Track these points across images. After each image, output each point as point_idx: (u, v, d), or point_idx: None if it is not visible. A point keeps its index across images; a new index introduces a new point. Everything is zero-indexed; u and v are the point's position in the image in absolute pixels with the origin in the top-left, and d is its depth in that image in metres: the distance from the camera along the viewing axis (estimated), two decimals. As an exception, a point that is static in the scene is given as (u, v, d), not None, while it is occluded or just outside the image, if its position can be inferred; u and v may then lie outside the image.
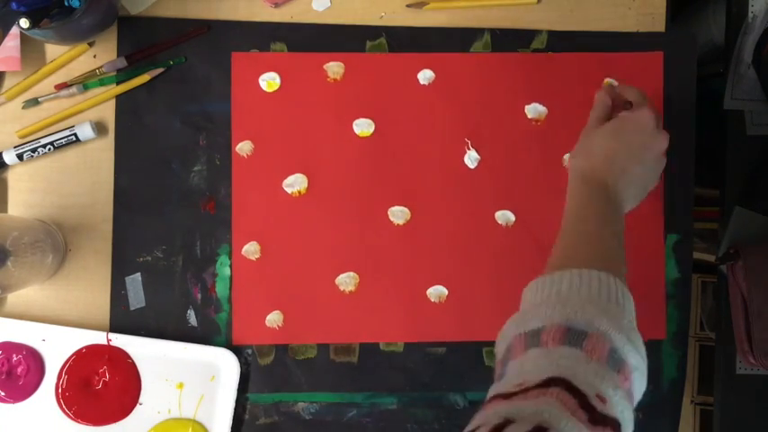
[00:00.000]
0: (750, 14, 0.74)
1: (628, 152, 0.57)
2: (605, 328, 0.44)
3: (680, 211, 0.70)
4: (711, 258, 0.76)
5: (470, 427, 0.39)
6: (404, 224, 0.69)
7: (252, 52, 0.69)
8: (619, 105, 0.62)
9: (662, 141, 0.58)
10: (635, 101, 0.60)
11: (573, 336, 0.43)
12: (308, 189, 0.69)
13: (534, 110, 0.70)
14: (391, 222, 0.69)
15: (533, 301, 0.49)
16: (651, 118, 0.58)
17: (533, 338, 0.45)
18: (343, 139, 0.69)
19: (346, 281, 0.69)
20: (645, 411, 0.70)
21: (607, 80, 0.69)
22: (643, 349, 0.46)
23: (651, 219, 0.70)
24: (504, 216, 0.70)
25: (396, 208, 0.69)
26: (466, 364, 0.70)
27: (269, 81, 0.69)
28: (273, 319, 0.69)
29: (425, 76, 0.70)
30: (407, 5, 0.70)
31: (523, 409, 0.39)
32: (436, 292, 0.69)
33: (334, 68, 0.69)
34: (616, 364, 0.43)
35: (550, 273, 0.50)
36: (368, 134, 0.69)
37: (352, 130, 0.69)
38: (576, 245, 0.54)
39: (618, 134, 0.58)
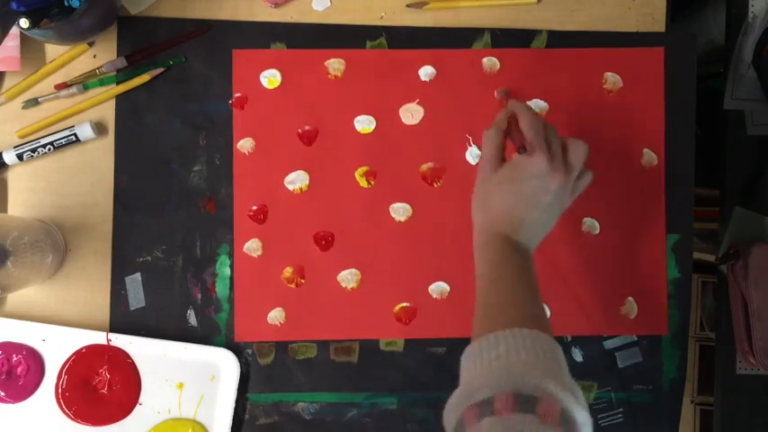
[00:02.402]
0: (750, 14, 0.74)
1: (525, 202, 0.57)
2: (552, 390, 0.44)
3: (680, 211, 0.71)
4: (711, 258, 0.76)
5: None
6: (405, 221, 0.69)
7: (253, 49, 0.69)
8: (515, 133, 0.59)
9: (557, 178, 0.56)
10: (528, 137, 0.57)
11: (524, 401, 0.44)
12: (309, 186, 0.69)
13: (535, 105, 0.70)
14: (393, 219, 0.69)
15: (475, 371, 0.49)
16: (544, 161, 0.56)
17: (485, 408, 0.45)
18: (344, 135, 0.69)
19: (348, 278, 0.69)
20: (645, 411, 0.70)
21: (500, 90, 0.66)
22: (585, 403, 0.47)
23: (652, 216, 0.70)
24: None
25: (397, 204, 0.69)
26: (466, 364, 0.70)
27: (270, 78, 0.69)
28: (275, 316, 0.69)
29: (426, 72, 0.70)
30: (407, 5, 0.70)
31: None
32: (438, 288, 0.69)
33: (335, 65, 0.69)
34: (567, 424, 0.44)
35: (485, 337, 0.49)
36: (369, 131, 0.69)
37: (354, 126, 0.69)
38: (499, 306, 0.53)
39: (512, 184, 0.57)
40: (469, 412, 0.46)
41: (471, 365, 0.50)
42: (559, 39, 0.70)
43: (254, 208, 0.69)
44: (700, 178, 0.71)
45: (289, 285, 0.69)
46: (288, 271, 0.69)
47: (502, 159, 0.59)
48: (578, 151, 0.58)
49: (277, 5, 0.69)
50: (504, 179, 0.58)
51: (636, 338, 0.70)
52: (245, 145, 0.69)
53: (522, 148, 0.57)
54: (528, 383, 0.45)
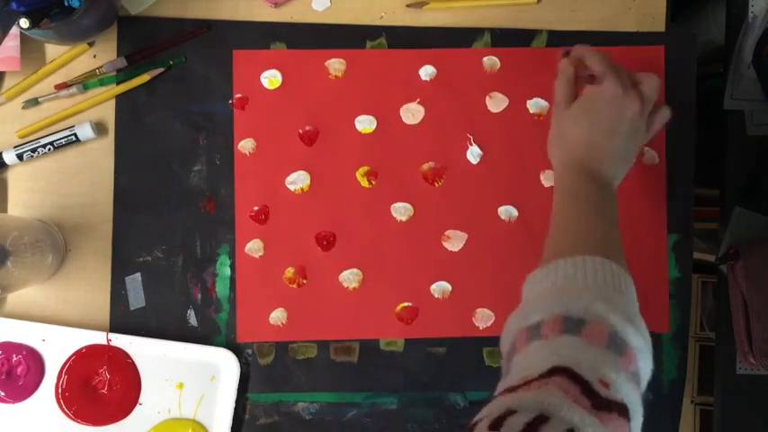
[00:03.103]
0: (750, 14, 0.74)
1: (602, 130, 0.56)
2: (602, 313, 0.44)
3: (680, 211, 0.71)
4: (711, 258, 0.76)
5: (475, 419, 0.39)
6: (407, 220, 0.69)
7: (253, 50, 0.69)
8: (583, 76, 0.60)
9: (632, 104, 0.56)
10: (597, 70, 0.58)
11: (571, 324, 0.43)
12: (310, 186, 0.69)
13: (536, 104, 0.70)
14: (394, 219, 0.69)
15: (532, 295, 0.49)
16: (616, 85, 0.56)
17: (534, 332, 0.45)
18: (345, 135, 0.69)
19: (350, 278, 0.69)
20: (645, 411, 0.70)
21: (564, 49, 0.64)
22: (646, 331, 0.46)
23: (654, 213, 0.70)
24: (507, 211, 0.70)
25: (398, 204, 0.69)
26: (466, 364, 0.70)
27: (270, 78, 0.69)
28: (277, 316, 0.69)
29: (427, 71, 0.70)
30: (407, 5, 0.70)
31: (525, 399, 0.39)
32: (440, 287, 0.69)
33: (336, 65, 0.69)
34: (618, 347, 0.43)
35: (546, 264, 0.50)
36: (370, 131, 0.69)
37: (355, 126, 0.69)
38: (569, 234, 0.53)
39: (588, 113, 0.57)
40: (520, 335, 0.46)
41: (528, 290, 0.49)
42: (559, 39, 0.70)
43: (256, 208, 0.69)
44: (700, 178, 0.71)
45: (290, 286, 0.69)
46: (289, 271, 0.69)
47: (574, 96, 0.59)
48: (652, 83, 0.57)
49: (277, 5, 0.69)
50: (579, 111, 0.57)
51: (636, 338, 0.70)
52: (246, 145, 0.69)
53: (590, 77, 0.58)
54: (577, 306, 0.44)
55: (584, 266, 0.48)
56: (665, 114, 0.60)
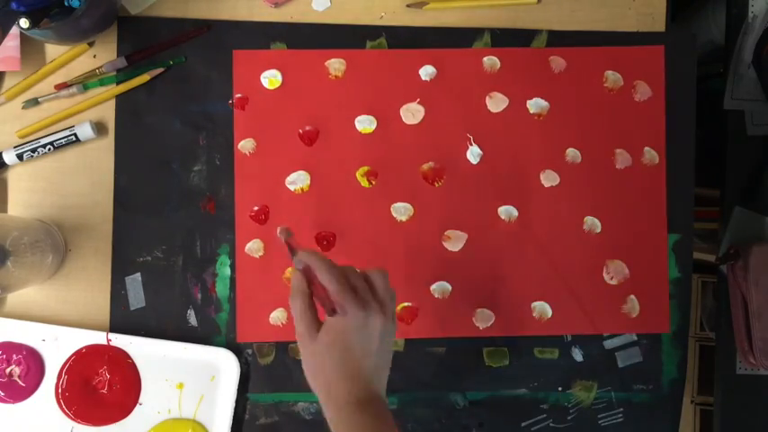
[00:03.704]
0: (750, 14, 0.75)
1: (354, 359, 0.53)
2: None
3: (680, 211, 0.71)
4: (711, 258, 0.76)
5: None
6: (407, 220, 0.69)
7: (253, 50, 0.69)
8: (318, 291, 0.54)
9: (377, 323, 0.53)
10: (330, 290, 0.53)
11: None
12: (310, 186, 0.69)
13: (536, 104, 0.70)
14: (394, 219, 0.69)
15: None
16: (358, 314, 0.52)
17: None
18: (345, 135, 0.69)
19: (350, 278, 0.69)
20: (645, 411, 0.70)
21: (280, 229, 0.55)
22: None
23: (654, 213, 0.70)
24: (507, 211, 0.70)
25: (399, 204, 0.69)
26: (466, 364, 0.70)
27: (271, 78, 0.69)
28: (277, 316, 0.69)
29: (427, 71, 0.70)
30: (407, 5, 0.70)
31: None
32: (440, 288, 0.69)
33: (336, 65, 0.69)
34: None
35: None
36: (370, 131, 0.69)
37: (355, 126, 0.69)
38: None
39: (336, 348, 0.53)
40: None
41: None
42: (559, 39, 0.70)
43: (256, 208, 0.69)
44: (700, 178, 0.71)
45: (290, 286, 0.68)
46: (289, 271, 0.68)
47: (317, 322, 0.55)
48: (380, 282, 0.54)
49: (277, 5, 0.69)
50: (327, 345, 0.53)
51: (636, 338, 0.70)
52: (246, 145, 0.69)
53: (331, 310, 0.53)
54: None
55: None
56: (392, 295, 0.56)
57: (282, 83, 0.69)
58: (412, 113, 0.69)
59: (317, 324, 0.54)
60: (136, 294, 0.68)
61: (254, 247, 0.68)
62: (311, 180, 0.69)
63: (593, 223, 0.70)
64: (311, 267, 0.54)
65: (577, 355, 0.70)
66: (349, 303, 0.53)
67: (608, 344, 0.70)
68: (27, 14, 0.57)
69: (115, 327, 0.68)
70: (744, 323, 0.71)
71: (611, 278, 0.70)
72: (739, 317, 0.72)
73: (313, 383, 0.55)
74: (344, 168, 0.69)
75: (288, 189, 0.69)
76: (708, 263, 0.84)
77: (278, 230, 0.55)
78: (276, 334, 0.68)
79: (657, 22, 0.71)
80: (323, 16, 0.70)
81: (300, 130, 0.69)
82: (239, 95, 0.69)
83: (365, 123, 0.69)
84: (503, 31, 0.70)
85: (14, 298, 0.68)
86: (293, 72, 0.69)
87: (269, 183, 0.69)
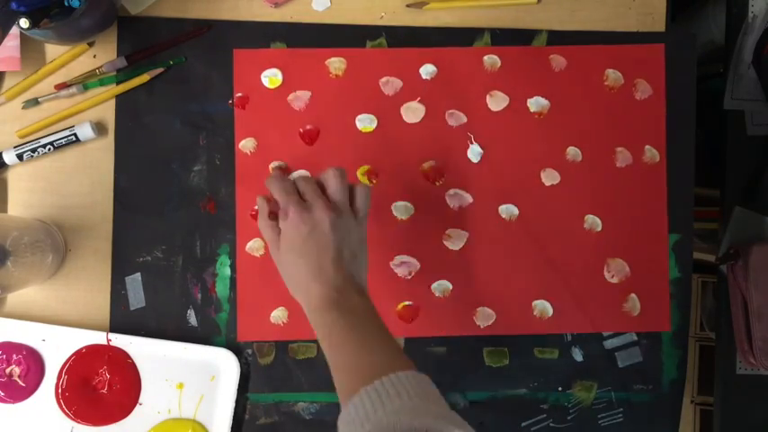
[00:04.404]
0: (750, 14, 0.75)
1: (313, 254, 0.55)
2: (414, 424, 0.44)
3: (680, 211, 0.71)
4: (711, 258, 0.76)
5: None
6: (407, 219, 0.69)
7: (253, 49, 0.69)
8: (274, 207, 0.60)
9: (322, 220, 0.56)
10: (278, 200, 0.58)
11: None
12: (309, 187, 0.69)
13: (537, 103, 0.70)
14: (395, 217, 0.69)
15: None
16: (295, 215, 0.56)
17: None
18: (345, 134, 0.69)
19: (350, 277, 0.69)
20: (645, 411, 0.70)
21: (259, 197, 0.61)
22: (458, 417, 0.47)
23: (655, 211, 0.70)
24: (508, 210, 0.70)
25: (399, 203, 0.69)
26: (466, 364, 0.70)
27: (271, 77, 0.69)
28: (278, 315, 0.69)
29: (427, 70, 0.70)
30: (407, 5, 0.70)
31: None
32: (440, 286, 0.69)
33: (336, 64, 0.69)
34: None
35: (345, 407, 0.49)
36: (370, 129, 0.69)
37: (355, 125, 0.69)
38: (345, 370, 0.53)
39: (294, 249, 0.56)
40: None
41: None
42: (559, 38, 0.70)
43: (256, 208, 0.69)
44: (700, 178, 0.71)
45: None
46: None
47: (279, 236, 0.58)
48: (333, 182, 0.58)
49: (277, 5, 0.69)
50: (287, 250, 0.57)
51: (636, 338, 0.70)
52: (246, 145, 0.69)
53: (275, 216, 0.58)
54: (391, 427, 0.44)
55: (377, 392, 0.47)
56: (361, 192, 0.59)
57: (283, 82, 0.69)
58: (412, 112, 0.69)
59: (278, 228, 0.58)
60: (136, 294, 0.68)
61: (254, 246, 0.68)
62: (311, 180, 0.69)
63: (593, 221, 0.70)
64: (267, 186, 0.58)
65: (577, 355, 0.70)
66: (290, 206, 0.56)
67: (608, 344, 0.70)
68: (27, 14, 0.57)
69: (115, 327, 0.68)
70: (744, 323, 0.71)
71: (612, 276, 0.70)
72: (739, 317, 0.72)
73: (294, 295, 0.58)
74: (345, 167, 0.69)
75: (288, 189, 0.69)
76: (708, 263, 0.84)
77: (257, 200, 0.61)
78: (277, 333, 0.68)
79: (657, 22, 0.71)
80: (323, 16, 0.70)
81: (301, 130, 0.69)
82: (240, 95, 0.69)
83: (366, 122, 0.69)
84: (503, 32, 0.70)
85: (14, 298, 0.68)
86: (293, 71, 0.69)
87: (269, 182, 0.69)
